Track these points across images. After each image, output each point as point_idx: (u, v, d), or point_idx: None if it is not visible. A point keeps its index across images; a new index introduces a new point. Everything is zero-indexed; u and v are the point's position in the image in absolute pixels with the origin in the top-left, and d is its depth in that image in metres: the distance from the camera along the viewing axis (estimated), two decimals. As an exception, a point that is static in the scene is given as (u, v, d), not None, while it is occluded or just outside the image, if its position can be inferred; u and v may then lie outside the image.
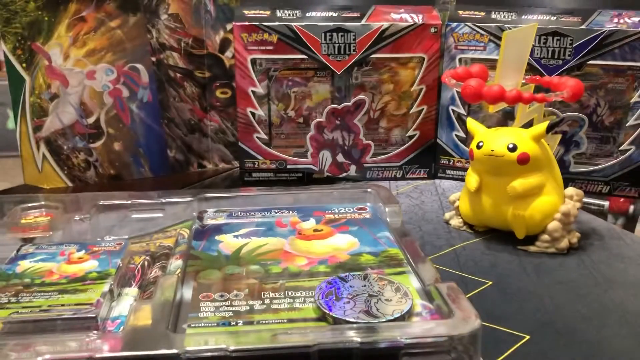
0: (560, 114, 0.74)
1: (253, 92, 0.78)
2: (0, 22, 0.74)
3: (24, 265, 0.46)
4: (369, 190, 0.58)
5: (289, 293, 0.41)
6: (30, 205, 0.56)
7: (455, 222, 0.66)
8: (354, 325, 0.36)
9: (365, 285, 0.41)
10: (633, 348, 0.44)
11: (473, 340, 0.35)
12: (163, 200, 0.56)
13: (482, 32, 0.76)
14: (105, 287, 0.42)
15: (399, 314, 0.37)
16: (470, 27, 0.77)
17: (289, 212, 0.55)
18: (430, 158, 0.82)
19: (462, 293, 0.39)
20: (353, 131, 0.80)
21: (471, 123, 0.64)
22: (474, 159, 0.61)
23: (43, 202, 0.57)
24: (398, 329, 0.35)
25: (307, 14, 0.78)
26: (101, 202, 0.56)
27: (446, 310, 0.37)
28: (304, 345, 0.33)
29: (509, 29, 0.73)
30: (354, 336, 0.34)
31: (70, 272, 0.45)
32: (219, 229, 0.52)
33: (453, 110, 0.79)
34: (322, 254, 0.47)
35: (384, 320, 0.37)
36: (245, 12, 0.77)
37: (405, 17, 0.77)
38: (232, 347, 0.33)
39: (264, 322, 0.38)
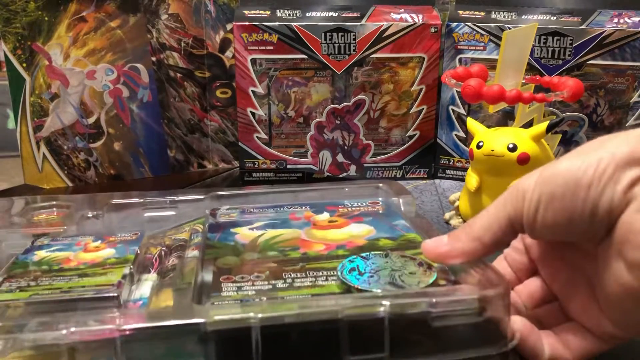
0: (560, 114, 0.74)
1: (253, 92, 0.78)
2: (0, 22, 0.75)
3: (40, 254, 0.46)
4: (380, 186, 0.57)
5: (311, 273, 0.40)
6: (41, 204, 0.56)
7: (456, 222, 0.66)
8: (381, 294, 0.35)
9: (387, 262, 0.40)
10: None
11: (503, 300, 0.34)
12: (175, 198, 0.56)
13: (482, 32, 0.76)
14: (126, 270, 0.42)
15: (425, 285, 0.37)
16: (470, 27, 0.77)
17: (301, 207, 0.55)
18: (430, 158, 0.82)
19: (487, 263, 0.38)
20: (353, 131, 0.80)
21: (471, 123, 0.64)
22: (474, 159, 0.61)
23: (54, 202, 0.56)
24: (426, 296, 0.34)
25: (307, 14, 0.78)
26: (113, 201, 0.55)
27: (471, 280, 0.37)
28: (333, 311, 0.33)
29: (509, 28, 0.73)
30: (383, 301, 0.33)
31: (89, 259, 0.45)
32: (233, 224, 0.52)
33: (453, 110, 0.79)
34: (339, 240, 0.47)
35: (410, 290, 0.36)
36: (246, 12, 0.78)
37: (405, 17, 0.77)
38: (260, 315, 0.32)
39: (288, 297, 0.37)
